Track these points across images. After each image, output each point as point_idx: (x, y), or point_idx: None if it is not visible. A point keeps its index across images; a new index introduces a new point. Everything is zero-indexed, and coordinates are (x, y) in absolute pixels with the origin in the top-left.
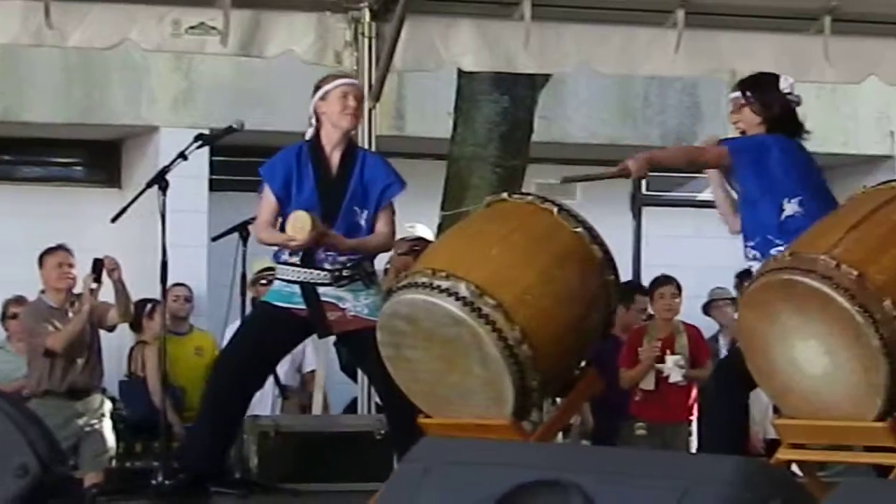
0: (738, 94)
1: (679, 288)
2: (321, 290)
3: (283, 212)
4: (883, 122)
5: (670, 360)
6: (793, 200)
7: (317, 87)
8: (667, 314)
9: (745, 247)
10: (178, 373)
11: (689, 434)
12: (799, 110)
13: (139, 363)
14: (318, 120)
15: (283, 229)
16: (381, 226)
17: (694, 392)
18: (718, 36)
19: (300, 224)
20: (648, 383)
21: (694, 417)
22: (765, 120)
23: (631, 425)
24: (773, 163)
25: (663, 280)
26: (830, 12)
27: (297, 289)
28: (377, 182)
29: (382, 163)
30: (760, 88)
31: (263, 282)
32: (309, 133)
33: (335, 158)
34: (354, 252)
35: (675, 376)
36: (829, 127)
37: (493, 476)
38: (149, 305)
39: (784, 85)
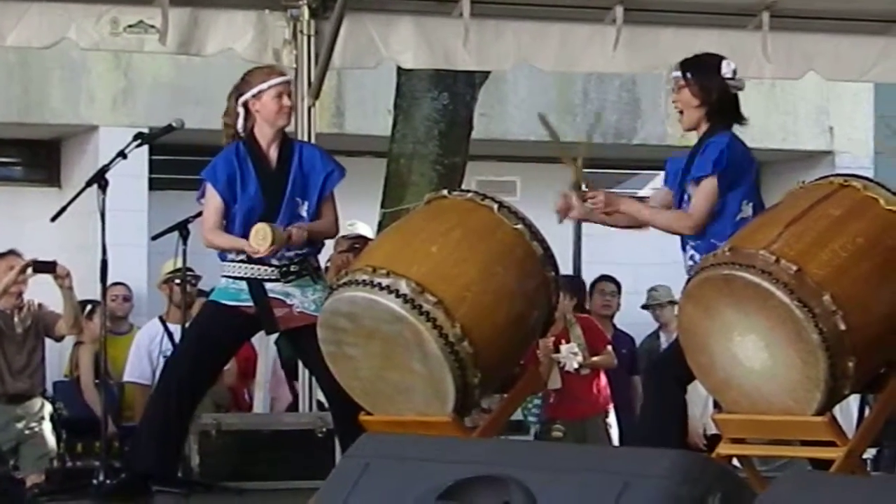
0: (678, 73)
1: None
2: (269, 286)
3: (229, 212)
4: (822, 118)
5: (564, 348)
6: (750, 203)
7: (246, 81)
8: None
9: (689, 246)
10: (119, 372)
11: (608, 426)
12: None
13: (75, 364)
14: (248, 114)
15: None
16: (326, 213)
17: (604, 381)
18: (657, 32)
19: (262, 236)
20: (555, 382)
21: (610, 408)
22: (703, 103)
23: (548, 429)
24: (741, 172)
25: None
26: (769, 8)
27: (244, 286)
28: (317, 172)
29: (319, 152)
30: (701, 71)
31: (178, 281)
32: (239, 125)
33: (273, 153)
34: (309, 239)
35: (572, 363)
36: (768, 122)
37: (433, 472)
38: (88, 306)
39: (726, 70)
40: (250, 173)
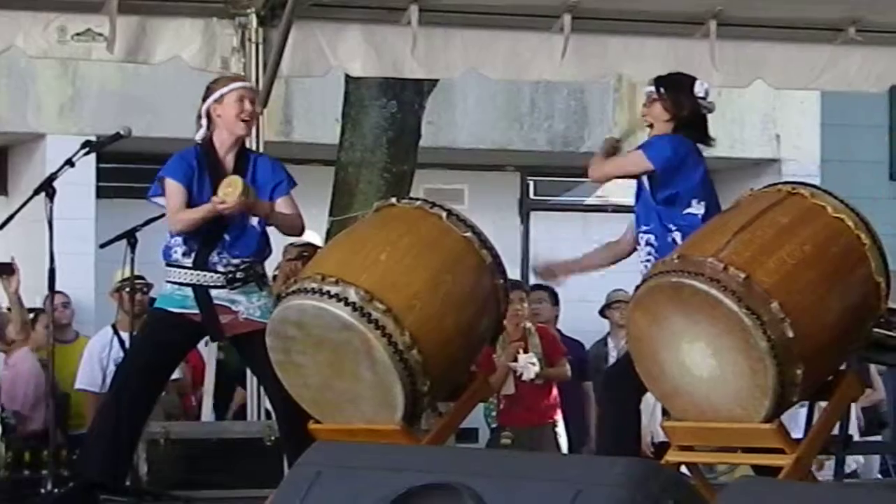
0: (652, 88)
1: (527, 293)
2: (214, 292)
3: (191, 204)
4: (769, 126)
5: (522, 358)
6: (701, 202)
7: (209, 90)
8: (515, 319)
9: (640, 233)
10: (64, 381)
11: (557, 436)
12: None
13: None
14: (210, 122)
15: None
16: (286, 210)
17: (555, 392)
18: (605, 40)
19: (232, 187)
20: (509, 388)
21: (559, 419)
22: (672, 118)
23: (496, 435)
24: (689, 167)
25: (510, 285)
26: (716, 16)
27: (189, 292)
28: (267, 184)
29: (271, 164)
30: (674, 87)
31: (129, 289)
32: (200, 134)
33: (229, 161)
34: (275, 224)
35: (529, 373)
36: (715, 130)
37: (385, 480)
38: (31, 315)
39: (698, 89)
40: (206, 179)
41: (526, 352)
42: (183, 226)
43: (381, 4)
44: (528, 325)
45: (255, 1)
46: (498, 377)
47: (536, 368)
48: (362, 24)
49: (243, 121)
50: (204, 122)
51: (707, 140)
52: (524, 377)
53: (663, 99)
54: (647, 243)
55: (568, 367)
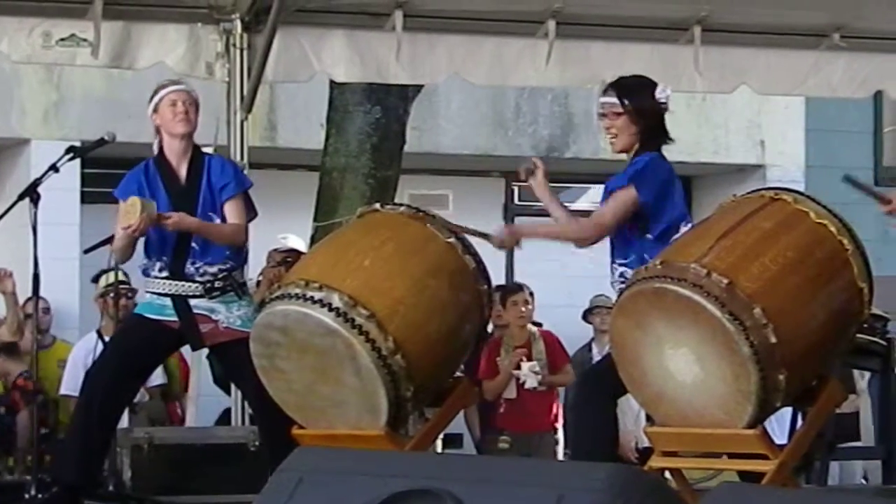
0: (614, 100)
1: (532, 295)
2: (193, 302)
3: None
4: (753, 132)
5: (525, 366)
6: (688, 223)
7: (150, 101)
8: (520, 321)
9: (614, 263)
10: (47, 385)
11: (556, 443)
12: (667, 117)
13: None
14: (158, 133)
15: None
16: (229, 218)
17: (557, 399)
18: (590, 46)
19: (132, 209)
20: (510, 392)
21: (559, 426)
22: (639, 129)
23: (494, 438)
24: (672, 191)
25: (514, 288)
26: (700, 22)
27: (168, 301)
28: (218, 185)
29: (224, 165)
30: (637, 96)
31: (113, 295)
32: (155, 147)
33: (182, 169)
34: (206, 238)
35: (531, 382)
36: (700, 136)
37: (367, 485)
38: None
39: (660, 94)
40: (160, 191)
41: (529, 357)
42: (117, 255)
43: (365, 10)
44: (534, 329)
45: (240, 6)
46: (500, 381)
47: (539, 377)
48: (346, 29)
49: (179, 121)
50: (155, 134)
51: (668, 140)
52: (526, 386)
53: (629, 112)
54: (621, 274)
55: (572, 373)
